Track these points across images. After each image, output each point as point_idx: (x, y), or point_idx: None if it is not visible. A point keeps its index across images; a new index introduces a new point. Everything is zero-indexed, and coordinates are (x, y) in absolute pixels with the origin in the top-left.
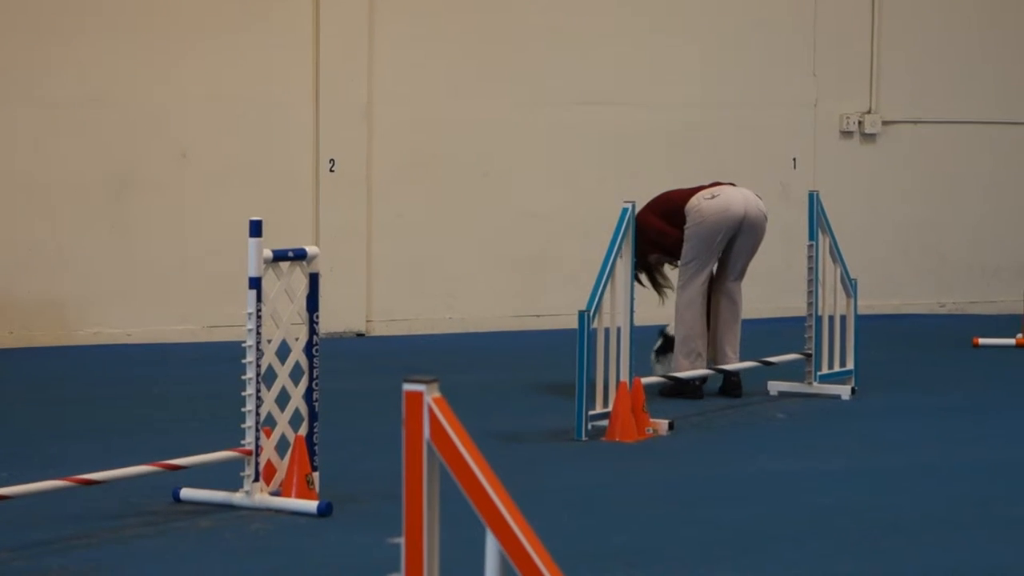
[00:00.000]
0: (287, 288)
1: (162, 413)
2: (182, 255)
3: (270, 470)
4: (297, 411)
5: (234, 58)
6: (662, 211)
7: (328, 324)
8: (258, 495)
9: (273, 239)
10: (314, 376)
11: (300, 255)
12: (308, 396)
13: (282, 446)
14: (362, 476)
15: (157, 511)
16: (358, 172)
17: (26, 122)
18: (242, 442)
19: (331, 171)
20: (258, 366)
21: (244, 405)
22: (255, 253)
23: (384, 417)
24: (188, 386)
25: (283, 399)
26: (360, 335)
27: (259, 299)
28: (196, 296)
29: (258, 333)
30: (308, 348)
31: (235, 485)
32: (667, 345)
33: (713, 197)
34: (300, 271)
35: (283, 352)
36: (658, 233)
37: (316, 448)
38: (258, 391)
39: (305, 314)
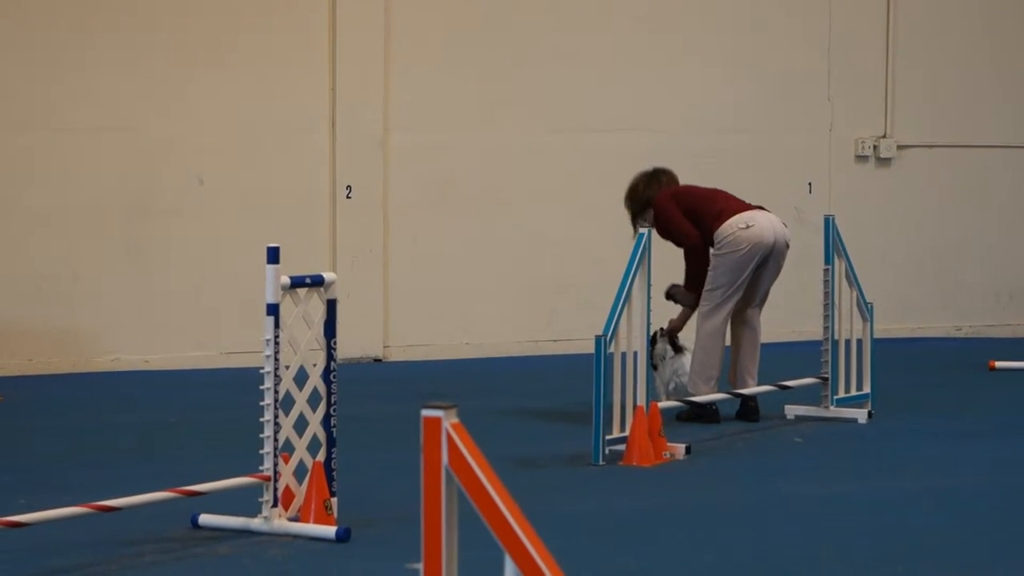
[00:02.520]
0: (304, 314)
1: (180, 439)
2: (199, 281)
3: (288, 496)
4: (315, 437)
5: (251, 85)
6: (685, 209)
7: (345, 350)
8: (276, 521)
9: (290, 265)
10: (332, 402)
11: (317, 281)
12: (326, 422)
13: (300, 472)
14: (380, 501)
15: (175, 537)
16: (375, 198)
17: (43, 150)
18: (260, 468)
19: (348, 197)
20: (276, 392)
21: (262, 431)
22: (273, 279)
23: (402, 442)
24: (206, 412)
25: (301, 425)
26: (377, 360)
27: (277, 325)
28: (213, 322)
29: (276, 359)
30: (326, 374)
31: (253, 511)
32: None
33: (748, 227)
34: (317, 297)
35: (301, 378)
36: (676, 225)
37: (334, 473)
38: (276, 417)
39: (323, 340)
